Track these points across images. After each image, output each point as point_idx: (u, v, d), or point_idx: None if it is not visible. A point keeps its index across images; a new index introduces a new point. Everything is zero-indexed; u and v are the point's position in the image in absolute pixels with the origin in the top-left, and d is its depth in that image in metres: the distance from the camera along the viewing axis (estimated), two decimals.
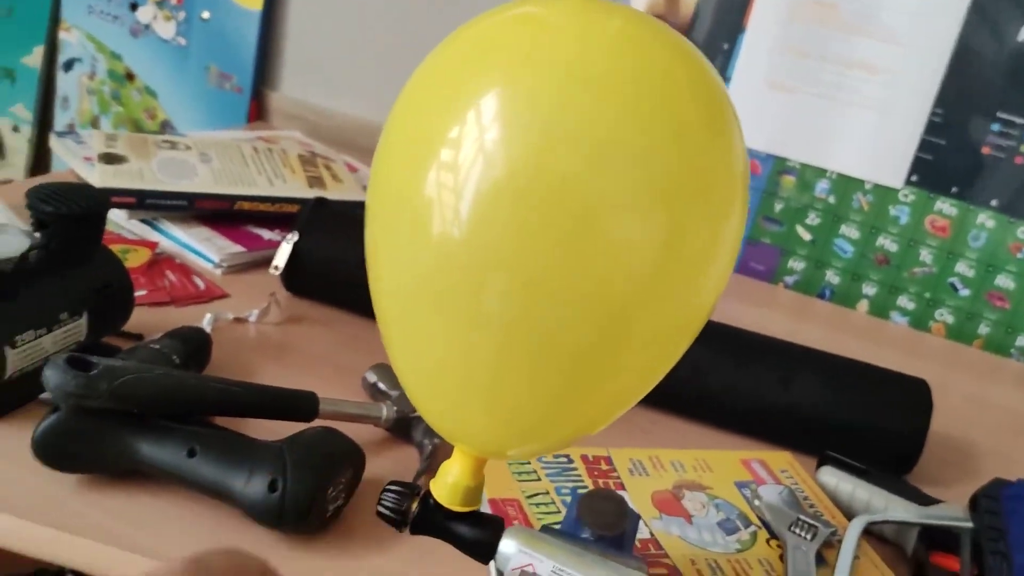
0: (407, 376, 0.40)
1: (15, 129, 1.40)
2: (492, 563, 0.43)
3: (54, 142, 0.99)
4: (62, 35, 1.36)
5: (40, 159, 1.41)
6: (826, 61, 1.03)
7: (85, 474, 0.55)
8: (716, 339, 0.75)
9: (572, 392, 0.38)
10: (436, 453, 0.63)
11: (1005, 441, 0.85)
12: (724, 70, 1.07)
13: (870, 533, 0.65)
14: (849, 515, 0.63)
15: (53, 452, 0.53)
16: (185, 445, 0.54)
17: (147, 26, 1.31)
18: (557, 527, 0.48)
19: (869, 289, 1.07)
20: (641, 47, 0.37)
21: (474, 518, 0.42)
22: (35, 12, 1.36)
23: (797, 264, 1.09)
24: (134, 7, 1.31)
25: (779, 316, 1.03)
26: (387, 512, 0.43)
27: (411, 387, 0.40)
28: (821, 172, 1.06)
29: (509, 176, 0.34)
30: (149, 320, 0.72)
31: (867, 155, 1.04)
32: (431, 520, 0.42)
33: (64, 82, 1.38)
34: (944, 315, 1.05)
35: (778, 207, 1.09)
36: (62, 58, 1.37)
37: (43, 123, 1.41)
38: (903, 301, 1.06)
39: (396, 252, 0.37)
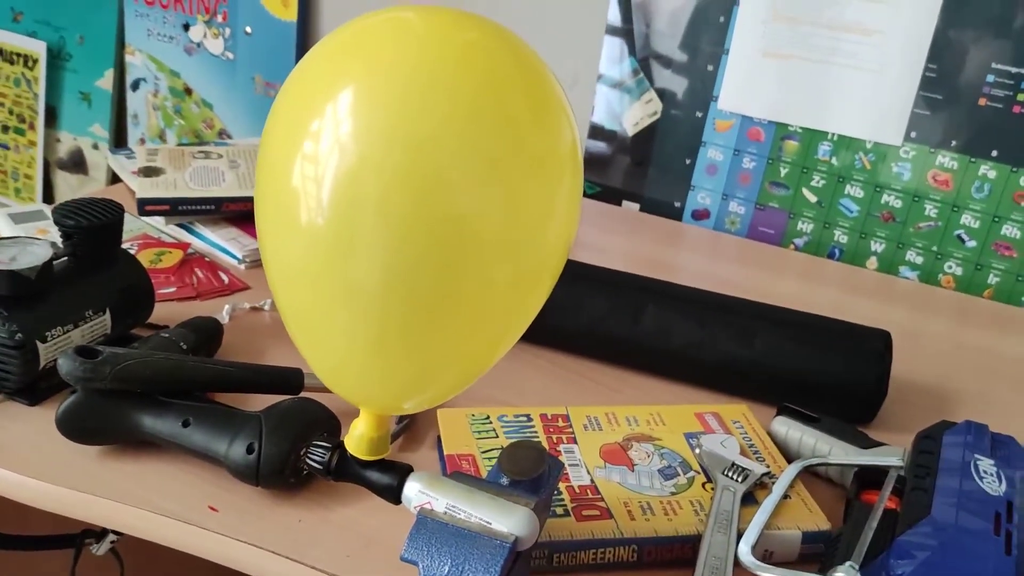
0: (304, 350, 0.47)
1: (95, 147, 1.55)
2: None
3: (111, 159, 1.12)
4: (128, 58, 1.50)
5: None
6: (819, 26, 1.06)
7: (103, 445, 0.65)
8: (683, 301, 0.80)
9: (446, 347, 0.45)
10: (410, 417, 0.71)
11: (1001, 390, 0.86)
12: (722, 43, 1.11)
13: (818, 476, 0.70)
14: (794, 461, 0.68)
15: (72, 428, 0.63)
16: (180, 417, 0.63)
17: (199, 44, 1.42)
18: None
19: (877, 246, 1.09)
20: (486, 55, 0.43)
21: (383, 465, 0.50)
22: (103, 39, 1.50)
23: (805, 226, 1.12)
24: (186, 27, 1.42)
25: (790, 278, 1.06)
26: (314, 464, 0.51)
27: (310, 360, 0.48)
28: (822, 135, 1.09)
29: (360, 165, 0.41)
30: (176, 313, 0.83)
31: (866, 115, 1.06)
32: (347, 469, 0.50)
33: (133, 101, 1.52)
34: (953, 267, 1.06)
35: (783, 171, 1.12)
36: (129, 79, 1.51)
37: (118, 140, 1.55)
38: (911, 256, 1.08)
39: (274, 240, 0.44)
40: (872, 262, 1.10)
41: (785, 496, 0.63)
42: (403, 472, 0.50)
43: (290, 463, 0.61)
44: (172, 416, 0.63)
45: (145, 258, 0.90)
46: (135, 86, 1.51)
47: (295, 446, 0.62)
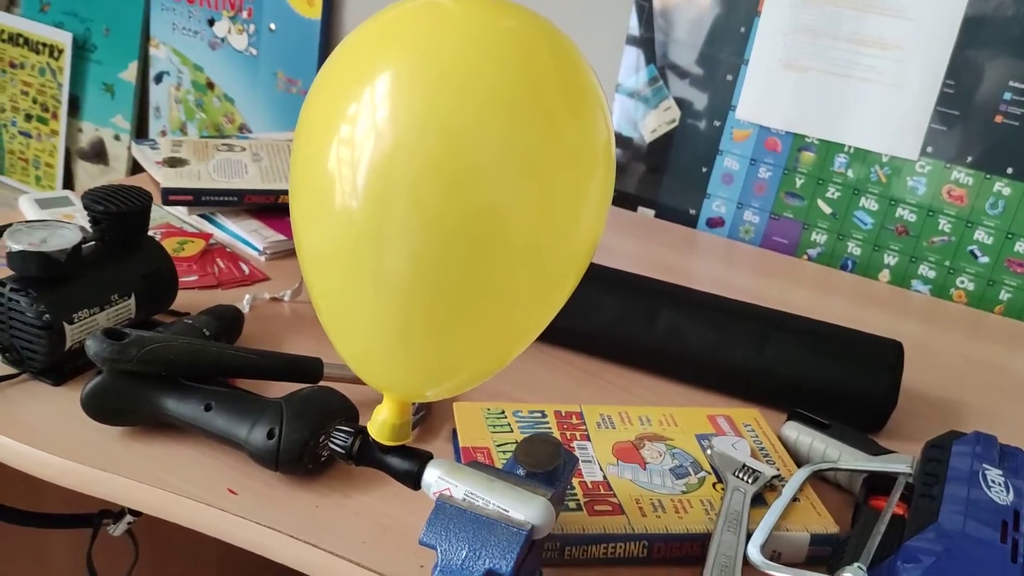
0: (333, 335, 0.48)
1: (116, 138, 1.56)
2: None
3: (135, 149, 1.13)
4: (152, 51, 1.52)
5: (138, 164, 1.57)
6: (839, 40, 1.07)
7: (126, 426, 0.67)
8: (697, 305, 0.81)
9: (471, 339, 0.46)
10: (426, 408, 0.72)
11: (1009, 405, 0.87)
12: (741, 53, 1.12)
13: (826, 481, 0.71)
14: (803, 465, 0.69)
15: (97, 408, 0.65)
16: (203, 401, 0.65)
17: (223, 39, 1.44)
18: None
19: (890, 259, 1.10)
20: (524, 44, 0.44)
21: (404, 451, 0.51)
22: (129, 31, 1.52)
23: (819, 237, 1.13)
24: (211, 23, 1.44)
25: (802, 288, 1.07)
26: (336, 448, 0.52)
27: (337, 345, 0.49)
28: (839, 147, 1.10)
29: (393, 151, 0.42)
30: (197, 301, 0.84)
31: (883, 129, 1.07)
32: (369, 454, 0.51)
33: (155, 93, 1.54)
34: (965, 283, 1.07)
35: (799, 182, 1.13)
36: (153, 72, 1.53)
37: (139, 131, 1.57)
38: (924, 270, 1.09)
39: (308, 224, 0.46)
40: (885, 275, 1.11)
41: (794, 499, 0.64)
42: (423, 458, 0.51)
43: (309, 449, 0.63)
44: (195, 400, 0.65)
45: (168, 246, 0.91)
46: (158, 79, 1.53)
47: (315, 433, 0.63)
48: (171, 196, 0.95)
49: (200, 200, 0.96)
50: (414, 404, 0.72)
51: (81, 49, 1.55)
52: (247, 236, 0.95)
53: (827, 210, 1.12)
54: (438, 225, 0.43)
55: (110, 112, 1.56)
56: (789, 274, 1.10)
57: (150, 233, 0.86)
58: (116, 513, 0.79)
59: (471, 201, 0.42)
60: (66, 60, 1.55)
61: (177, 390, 0.65)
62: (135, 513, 0.80)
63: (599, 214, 0.47)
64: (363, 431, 0.52)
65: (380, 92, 0.42)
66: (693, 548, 0.61)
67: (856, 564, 0.54)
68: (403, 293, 0.44)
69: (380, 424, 0.50)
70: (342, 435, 0.52)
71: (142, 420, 0.66)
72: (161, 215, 1.00)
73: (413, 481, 0.51)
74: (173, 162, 1.00)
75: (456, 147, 0.42)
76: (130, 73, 1.53)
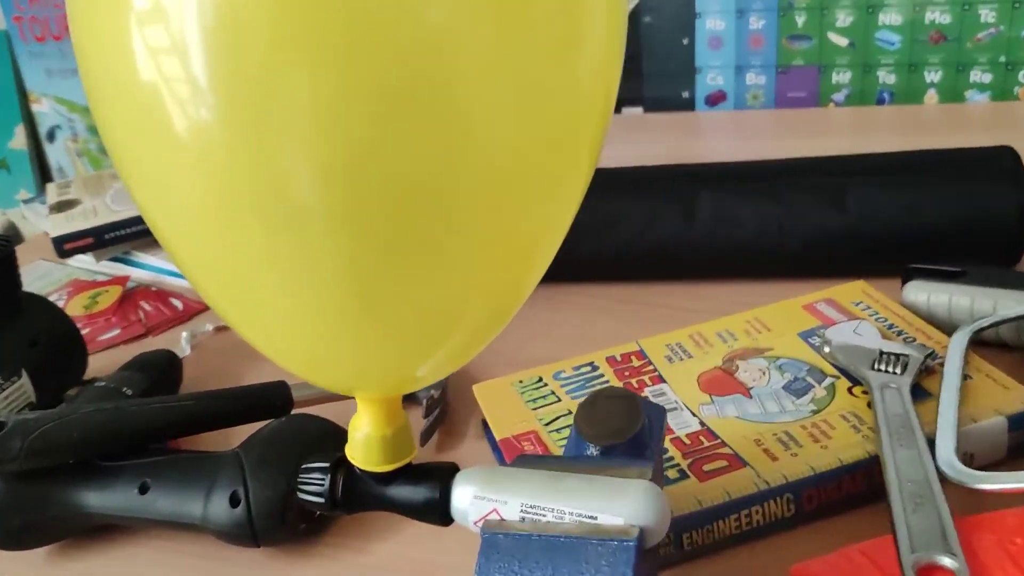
0: (249, 334, 0.30)
1: (24, 217, 1.38)
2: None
3: (25, 211, 0.95)
4: (34, 107, 1.33)
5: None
6: None
7: (46, 545, 0.48)
8: (743, 178, 0.63)
9: (453, 268, 0.28)
10: (441, 402, 0.54)
11: None
12: None
13: (985, 344, 0.52)
14: (952, 331, 0.50)
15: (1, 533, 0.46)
16: (135, 482, 0.46)
17: None
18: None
19: (933, 76, 0.92)
20: None
21: (412, 474, 0.33)
22: (2, 94, 1.32)
23: (842, 76, 0.95)
24: None
25: (840, 139, 0.89)
26: (310, 498, 0.33)
27: (261, 346, 0.30)
28: None
29: (234, 8, 0.24)
30: (124, 358, 0.65)
31: None
32: (361, 491, 0.33)
33: (53, 153, 1.35)
34: None
35: (800, 20, 0.94)
36: (43, 130, 1.34)
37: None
38: (976, 76, 0.90)
39: (147, 174, 0.27)
40: (931, 96, 0.93)
41: (965, 376, 0.46)
42: (444, 475, 0.33)
43: (294, 504, 0.44)
44: (123, 483, 0.46)
45: (78, 304, 0.73)
46: (51, 136, 1.34)
47: (294, 478, 0.44)
48: (66, 245, 0.77)
49: (103, 240, 0.78)
50: (425, 405, 0.54)
51: None
52: (172, 266, 0.77)
53: (842, 42, 0.93)
54: (344, 105, 0.24)
55: (11, 189, 1.37)
56: (819, 129, 0.91)
57: (53, 297, 0.69)
58: None
59: (389, 52, 0.24)
60: None
61: (97, 477, 0.47)
62: None
63: (615, 32, 0.29)
64: (342, 461, 0.33)
65: None
66: (856, 483, 0.43)
67: None
68: (327, 227, 0.26)
69: (364, 443, 0.32)
70: (315, 476, 0.33)
71: (67, 530, 0.48)
72: (67, 272, 0.81)
73: (439, 513, 0.33)
74: (62, 206, 0.81)
75: None
76: (19, 140, 1.34)
